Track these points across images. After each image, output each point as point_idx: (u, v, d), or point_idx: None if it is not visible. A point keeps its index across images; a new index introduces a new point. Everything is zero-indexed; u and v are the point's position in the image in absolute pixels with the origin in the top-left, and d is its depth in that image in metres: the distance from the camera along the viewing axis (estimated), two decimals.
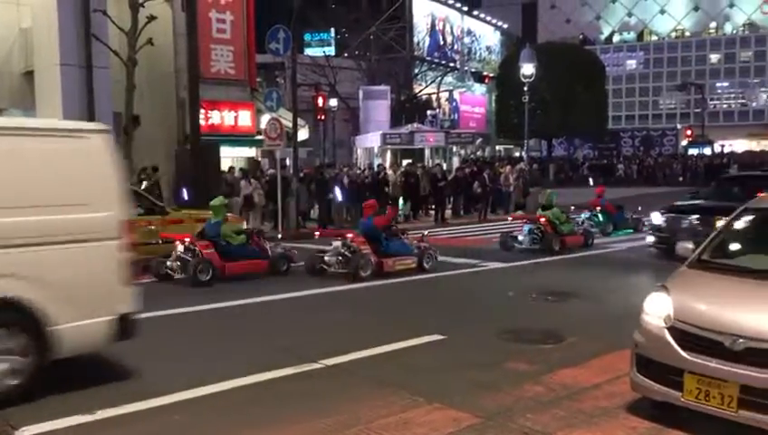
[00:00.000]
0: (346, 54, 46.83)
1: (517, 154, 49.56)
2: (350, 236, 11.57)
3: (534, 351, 6.89)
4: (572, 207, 18.94)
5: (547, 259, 13.46)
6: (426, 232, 13.54)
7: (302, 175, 20.52)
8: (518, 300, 9.63)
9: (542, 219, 14.36)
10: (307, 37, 57.44)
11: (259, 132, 20.87)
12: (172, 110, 20.12)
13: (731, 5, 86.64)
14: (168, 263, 11.07)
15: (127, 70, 16.05)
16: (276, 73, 38.96)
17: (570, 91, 44.42)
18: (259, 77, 32.24)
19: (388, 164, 28.01)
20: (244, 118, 21.90)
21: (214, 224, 11.34)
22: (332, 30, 55.71)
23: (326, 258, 11.40)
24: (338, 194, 19.52)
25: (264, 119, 19.41)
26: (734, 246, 5.67)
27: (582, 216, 17.37)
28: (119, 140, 17.21)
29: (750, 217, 5.80)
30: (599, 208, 17.54)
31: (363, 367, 6.35)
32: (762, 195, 6.26)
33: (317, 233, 15.09)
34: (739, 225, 5.76)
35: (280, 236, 16.23)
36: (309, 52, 50.75)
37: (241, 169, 20.01)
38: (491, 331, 7.55)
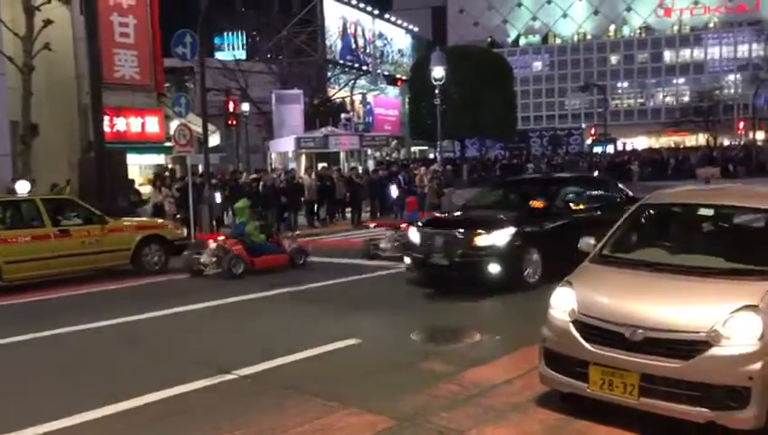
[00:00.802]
0: (257, 58, 46.24)
1: (432, 155, 50.27)
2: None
3: (448, 350, 6.99)
4: None
5: None
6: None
7: (215, 181, 20.11)
8: (432, 300, 9.75)
9: None
10: (217, 41, 56.47)
11: (168, 139, 20.32)
12: (74, 117, 19.34)
13: (628, 9, 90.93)
14: (202, 259, 12.27)
15: (23, 76, 15.31)
16: (186, 78, 38.05)
17: (480, 93, 45.43)
18: (168, 82, 31.43)
19: (302, 168, 27.84)
20: (152, 124, 21.29)
21: (239, 224, 12.89)
22: (243, 33, 54.97)
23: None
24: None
25: (174, 125, 18.91)
26: (633, 241, 5.91)
27: None
28: (16, 149, 16.40)
29: (647, 212, 6.08)
30: None
31: (278, 376, 6.27)
32: (657, 192, 6.54)
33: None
34: (637, 219, 6.02)
35: (297, 232, 17.40)
36: (219, 55, 49.87)
37: (158, 175, 19.43)
38: (405, 332, 7.60)
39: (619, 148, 65.00)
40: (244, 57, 49.24)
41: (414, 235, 10.98)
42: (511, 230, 9.94)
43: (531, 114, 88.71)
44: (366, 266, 12.70)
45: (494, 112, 47.57)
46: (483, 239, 9.87)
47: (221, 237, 12.69)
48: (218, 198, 19.10)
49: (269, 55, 45.15)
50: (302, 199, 21.47)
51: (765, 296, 4.51)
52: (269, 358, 6.69)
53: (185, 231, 14.79)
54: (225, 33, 56.64)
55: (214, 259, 12.20)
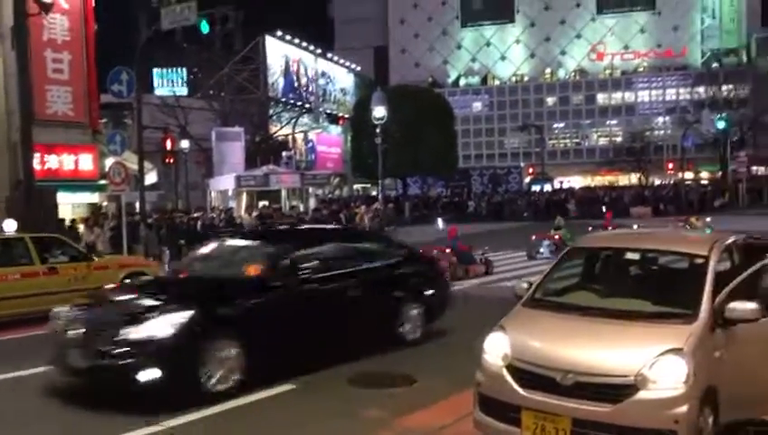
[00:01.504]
0: (199, 95, 45.89)
1: (374, 193, 50.51)
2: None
3: (385, 395, 6.91)
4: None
5: None
6: None
7: (151, 220, 19.69)
8: (369, 344, 9.61)
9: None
10: (158, 76, 55.80)
11: (103, 176, 19.83)
12: (3, 154, 18.68)
13: (563, 53, 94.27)
14: None
15: None
16: (124, 113, 37.39)
17: (421, 132, 46.07)
18: (105, 117, 30.82)
19: (243, 206, 27.55)
20: (86, 162, 20.72)
21: None
22: (184, 69, 54.51)
23: None
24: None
25: (109, 162, 18.49)
26: (564, 284, 6.00)
27: None
28: None
29: (577, 256, 6.20)
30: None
31: (207, 426, 6.06)
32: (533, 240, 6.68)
33: None
34: (568, 263, 6.14)
35: None
36: (159, 91, 49.27)
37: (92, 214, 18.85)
38: (343, 377, 7.48)
39: (557, 186, 66.74)
40: (185, 93, 48.78)
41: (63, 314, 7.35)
42: (184, 315, 6.61)
43: (471, 153, 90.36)
44: None
45: (436, 151, 48.29)
46: (135, 330, 6.50)
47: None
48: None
49: (210, 92, 44.85)
50: None
51: (690, 339, 4.63)
52: (196, 406, 6.42)
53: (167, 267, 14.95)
54: (166, 69, 56.06)
55: None
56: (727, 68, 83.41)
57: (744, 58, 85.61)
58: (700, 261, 5.28)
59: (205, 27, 19.59)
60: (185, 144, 30.95)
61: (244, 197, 29.39)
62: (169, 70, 53.07)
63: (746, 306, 4.79)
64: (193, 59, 48.33)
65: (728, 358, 4.83)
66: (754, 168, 62.33)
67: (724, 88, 74.41)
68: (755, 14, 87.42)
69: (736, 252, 5.84)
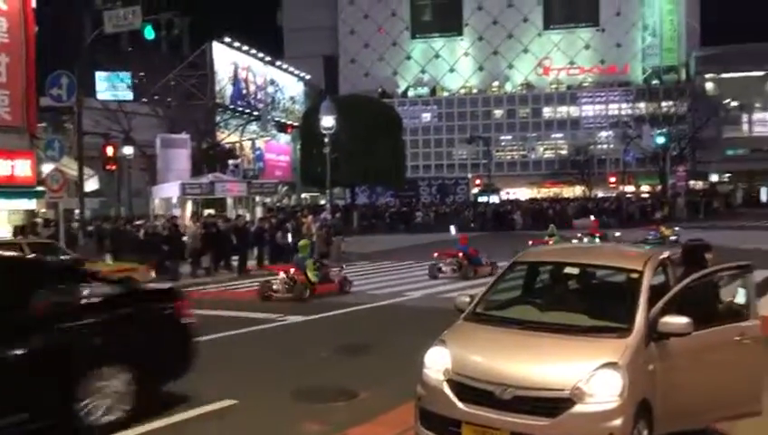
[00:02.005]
0: (144, 100, 44.95)
1: (323, 202, 50.32)
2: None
3: (327, 410, 6.85)
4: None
5: (361, 313, 13.62)
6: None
7: (91, 228, 19.15)
8: (315, 357, 9.55)
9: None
10: (102, 80, 54.49)
11: (41, 183, 19.20)
12: None
13: (510, 67, 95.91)
14: (274, 287, 14.91)
15: None
16: (64, 118, 36.30)
17: (370, 142, 46.22)
18: (45, 121, 29.89)
19: (188, 215, 27.02)
20: (23, 167, 20.01)
21: (301, 258, 15.43)
22: (129, 74, 53.36)
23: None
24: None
25: (48, 168, 17.93)
26: (505, 298, 6.06)
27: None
28: None
29: (518, 270, 6.27)
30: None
31: None
32: (530, 246, 6.79)
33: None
34: (509, 277, 6.20)
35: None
36: (103, 96, 48.10)
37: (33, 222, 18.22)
38: (285, 391, 7.38)
39: (503, 197, 67.73)
40: (130, 98, 47.73)
41: None
42: None
43: (420, 163, 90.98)
44: (251, 320, 12.36)
45: (385, 161, 48.50)
46: None
47: (292, 270, 15.04)
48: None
49: (156, 97, 43.99)
50: (186, 248, 20.76)
51: (625, 353, 4.72)
52: (134, 424, 6.24)
53: (153, 274, 15.50)
54: (110, 73, 54.78)
55: (285, 286, 14.72)
56: (667, 85, 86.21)
57: (684, 76, 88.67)
58: (635, 276, 5.40)
59: (150, 33, 19.22)
60: (128, 150, 30.23)
61: (189, 205, 28.83)
62: (114, 74, 51.86)
63: (679, 321, 4.91)
64: (139, 63, 47.38)
65: (661, 371, 4.94)
66: (692, 182, 64.49)
67: (664, 104, 76.86)
68: (694, 34, 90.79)
69: (670, 266, 6.00)
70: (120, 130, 34.46)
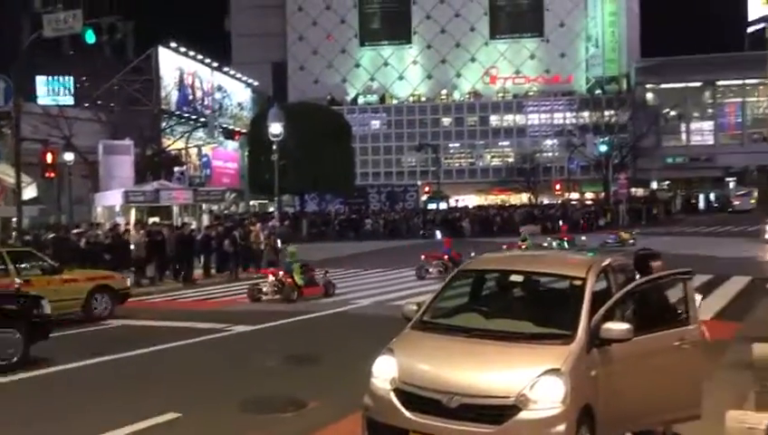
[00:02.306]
0: (87, 105, 43.80)
1: (272, 209, 49.91)
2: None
3: (275, 420, 6.76)
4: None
5: (301, 319, 13.51)
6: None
7: (29, 237, 18.52)
8: (264, 366, 9.43)
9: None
10: (42, 85, 52.98)
11: None
12: None
13: (458, 75, 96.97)
14: (264, 289, 15.92)
15: None
16: (2, 124, 35.09)
17: (319, 149, 46.06)
18: None
19: (132, 223, 26.40)
20: None
21: (288, 263, 16.45)
22: (71, 78, 51.99)
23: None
24: None
25: None
26: (452, 306, 6.08)
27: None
28: None
29: (464, 278, 6.31)
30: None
31: None
32: (474, 256, 6.84)
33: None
34: (455, 285, 6.23)
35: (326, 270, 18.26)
36: (43, 101, 46.72)
37: None
38: (233, 403, 7.26)
39: (452, 204, 68.28)
40: (71, 103, 46.45)
41: None
42: None
43: (370, 171, 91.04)
44: (197, 330, 12.14)
45: (334, 168, 48.39)
46: None
47: (281, 273, 16.05)
48: None
49: (99, 102, 42.92)
50: (129, 257, 20.29)
51: (568, 359, 4.79)
52: None
53: (128, 281, 15.43)
54: (51, 77, 53.27)
55: (274, 289, 15.68)
56: (609, 95, 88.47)
57: (625, 86, 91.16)
58: (578, 283, 5.49)
59: (90, 37, 18.70)
60: (69, 157, 29.32)
61: (133, 212, 28.19)
62: (55, 78, 50.47)
63: (620, 327, 5.02)
64: (81, 68, 46.20)
65: (604, 377, 5.03)
66: (634, 189, 66.25)
67: (607, 113, 78.79)
68: (635, 45, 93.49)
69: (612, 273, 6.11)
70: (61, 136, 33.43)
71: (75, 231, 20.75)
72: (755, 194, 66.60)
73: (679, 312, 5.86)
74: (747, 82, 78.11)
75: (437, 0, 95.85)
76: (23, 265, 12.84)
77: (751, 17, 30.25)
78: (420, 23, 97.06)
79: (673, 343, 5.54)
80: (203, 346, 11.06)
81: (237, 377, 8.83)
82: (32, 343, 9.40)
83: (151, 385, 8.44)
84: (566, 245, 25.07)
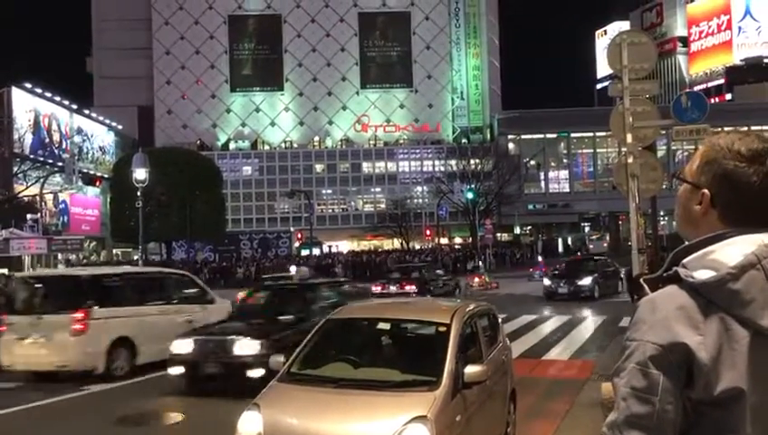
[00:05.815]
0: None
1: (136, 257, 47.62)
2: None
3: None
4: None
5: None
6: None
7: None
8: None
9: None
10: None
11: None
12: None
13: (330, 123, 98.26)
14: None
15: None
16: None
17: (188, 195, 44.74)
18: None
19: None
20: None
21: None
22: None
23: None
24: None
25: None
26: (319, 356, 5.99)
27: None
28: None
29: (331, 327, 6.24)
30: None
31: None
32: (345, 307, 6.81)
33: None
34: (323, 335, 6.14)
35: None
36: None
37: None
38: (113, 416, 6.70)
39: (326, 250, 68.26)
40: None
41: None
42: None
43: (241, 217, 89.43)
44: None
45: (203, 215, 47.10)
46: None
47: None
48: None
49: None
50: None
51: (433, 406, 4.82)
52: None
53: None
54: None
55: None
56: (474, 144, 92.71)
57: (488, 136, 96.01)
58: (443, 329, 5.59)
59: None
60: None
61: None
62: None
63: (477, 369, 5.16)
64: None
65: (465, 420, 5.11)
66: (499, 234, 69.31)
67: (472, 162, 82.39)
68: (497, 98, 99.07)
69: (476, 319, 6.28)
70: None
71: None
72: (607, 238, 71.94)
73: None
74: (598, 134, 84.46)
75: (309, 49, 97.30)
76: None
77: (599, 75, 33.05)
78: (292, 70, 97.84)
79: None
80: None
81: None
82: None
83: None
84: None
